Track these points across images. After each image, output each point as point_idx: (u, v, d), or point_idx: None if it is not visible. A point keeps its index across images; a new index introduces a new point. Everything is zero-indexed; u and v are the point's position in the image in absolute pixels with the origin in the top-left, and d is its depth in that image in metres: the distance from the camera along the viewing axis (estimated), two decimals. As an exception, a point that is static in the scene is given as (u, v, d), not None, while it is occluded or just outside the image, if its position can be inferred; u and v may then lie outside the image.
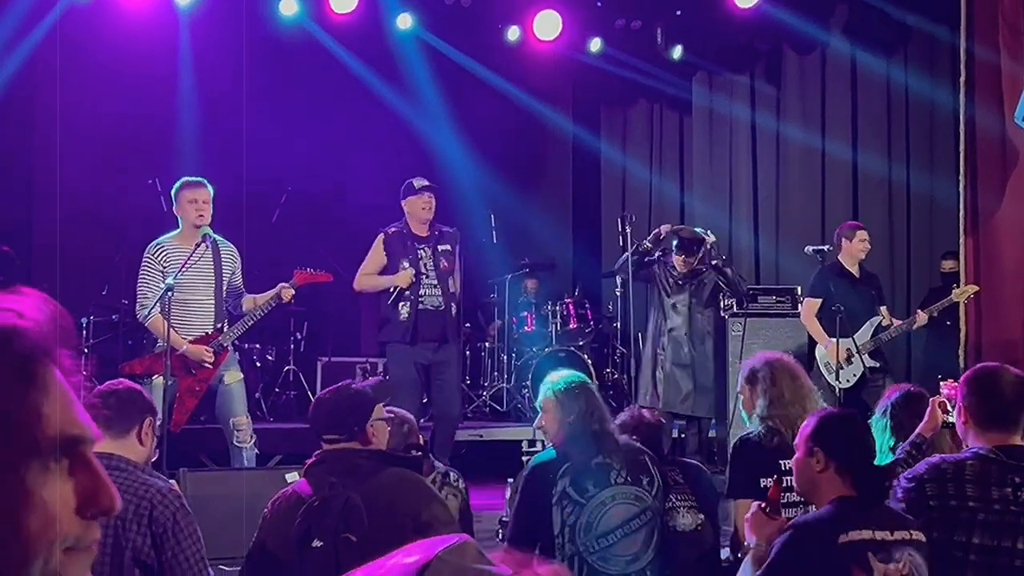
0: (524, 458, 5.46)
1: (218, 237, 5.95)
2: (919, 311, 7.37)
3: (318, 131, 9.48)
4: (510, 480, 5.02)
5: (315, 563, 3.01)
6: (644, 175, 11.10)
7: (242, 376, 6.00)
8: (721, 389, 7.84)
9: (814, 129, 9.94)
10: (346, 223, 9.63)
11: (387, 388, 3.62)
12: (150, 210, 7.75)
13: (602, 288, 10.47)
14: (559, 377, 4.00)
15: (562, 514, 3.69)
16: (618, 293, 9.19)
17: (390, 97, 9.76)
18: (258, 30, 9.05)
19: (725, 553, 4.18)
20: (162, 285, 5.56)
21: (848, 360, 7.05)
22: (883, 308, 7.47)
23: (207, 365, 5.76)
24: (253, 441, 5.86)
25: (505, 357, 9.32)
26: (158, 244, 5.84)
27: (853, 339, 6.96)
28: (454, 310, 6.65)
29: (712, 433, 7.79)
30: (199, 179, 5.91)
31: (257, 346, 8.79)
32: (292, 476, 3.62)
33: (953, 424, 3.51)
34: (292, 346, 9.16)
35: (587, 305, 9.53)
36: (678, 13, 9.85)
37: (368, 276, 6.61)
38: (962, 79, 7.51)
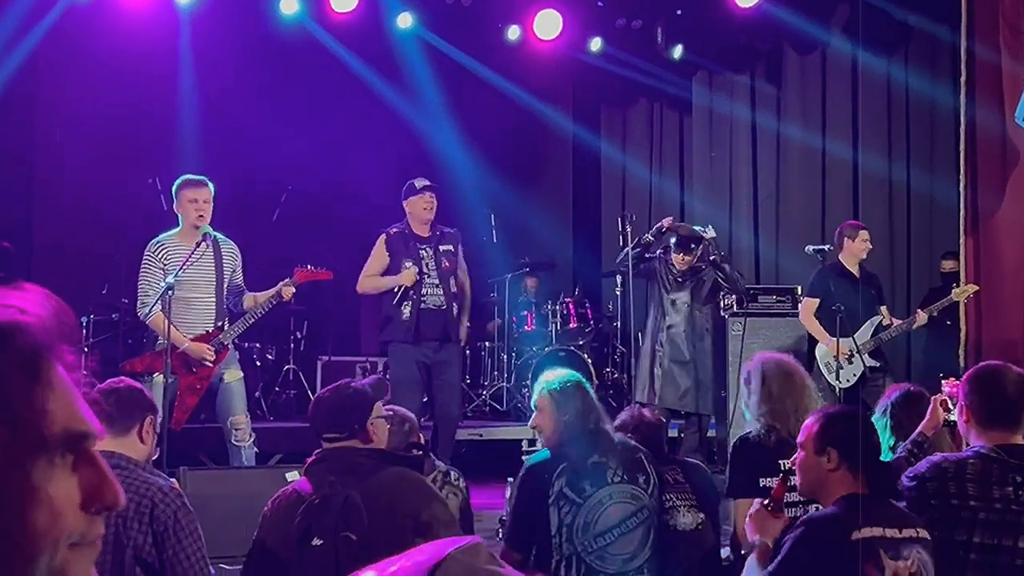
0: (524, 457, 5.47)
1: (219, 235, 5.95)
2: (919, 311, 7.37)
3: (318, 130, 9.49)
4: (510, 479, 5.02)
5: (315, 561, 3.01)
6: (644, 174, 11.11)
7: (242, 375, 6.00)
8: (721, 388, 7.84)
9: (814, 129, 9.95)
10: (346, 222, 9.63)
11: (386, 386, 3.62)
12: (150, 208, 7.76)
13: (602, 287, 10.47)
14: (554, 376, 3.99)
15: (559, 514, 3.69)
16: (618, 292, 9.20)
17: (390, 96, 9.76)
18: (258, 29, 9.06)
19: (725, 552, 4.18)
20: (163, 283, 5.56)
21: (848, 359, 7.05)
22: (883, 308, 7.47)
23: (208, 363, 5.76)
24: (252, 440, 5.86)
25: (505, 356, 9.32)
26: (159, 242, 5.83)
27: (853, 339, 6.96)
28: (455, 310, 6.66)
29: (712, 432, 7.79)
30: (200, 177, 5.90)
31: (257, 345, 8.79)
32: (292, 475, 3.62)
33: (954, 422, 3.51)
34: (292, 345, 9.17)
35: (587, 304, 9.53)
36: (678, 13, 9.85)
37: (371, 278, 6.61)
38: (963, 79, 7.50)
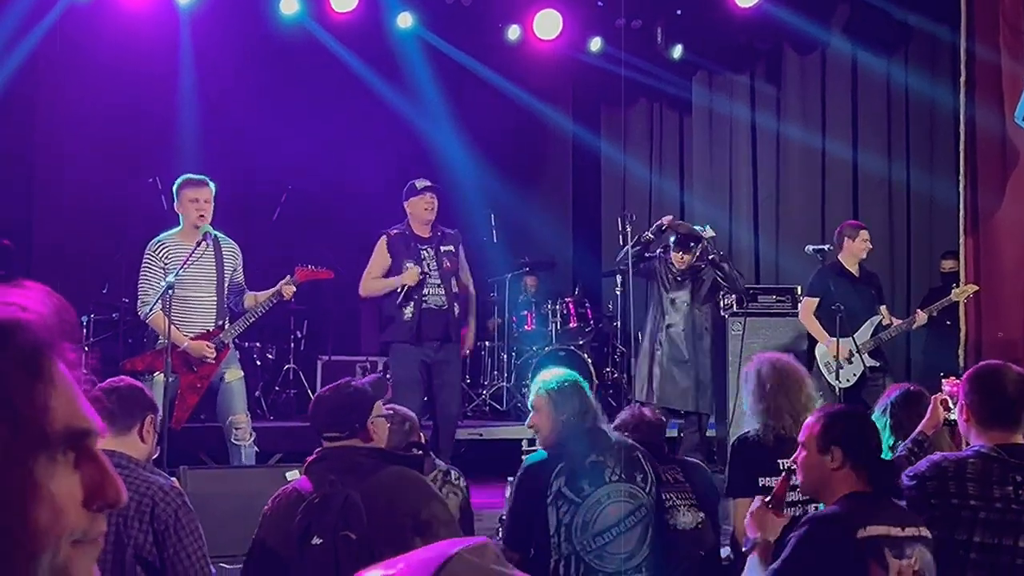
0: (524, 457, 5.46)
1: (219, 234, 5.95)
2: (918, 311, 7.37)
3: (318, 130, 9.49)
4: (510, 479, 5.01)
5: (315, 560, 3.01)
6: (644, 174, 11.11)
7: (242, 374, 6.00)
8: (720, 388, 7.84)
9: (814, 129, 9.95)
10: (346, 222, 9.63)
11: (386, 385, 3.62)
12: (150, 208, 7.76)
13: (602, 287, 10.47)
14: (551, 376, 4.00)
15: (558, 514, 3.69)
16: (618, 292, 9.20)
17: (390, 96, 9.77)
18: (259, 29, 9.06)
19: (725, 552, 4.18)
20: (163, 282, 5.56)
21: (848, 359, 7.05)
22: (883, 308, 7.47)
23: (209, 360, 5.76)
24: (252, 439, 5.86)
25: (505, 356, 9.32)
26: (159, 241, 5.84)
27: (853, 338, 6.96)
28: (457, 310, 6.67)
29: (712, 432, 7.79)
30: (201, 177, 5.90)
31: (257, 344, 8.79)
32: (293, 474, 3.62)
33: (954, 422, 3.51)
34: (292, 344, 9.17)
35: (587, 304, 9.53)
36: (678, 13, 9.86)
37: (374, 280, 6.61)
38: (962, 79, 7.51)
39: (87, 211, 8.93)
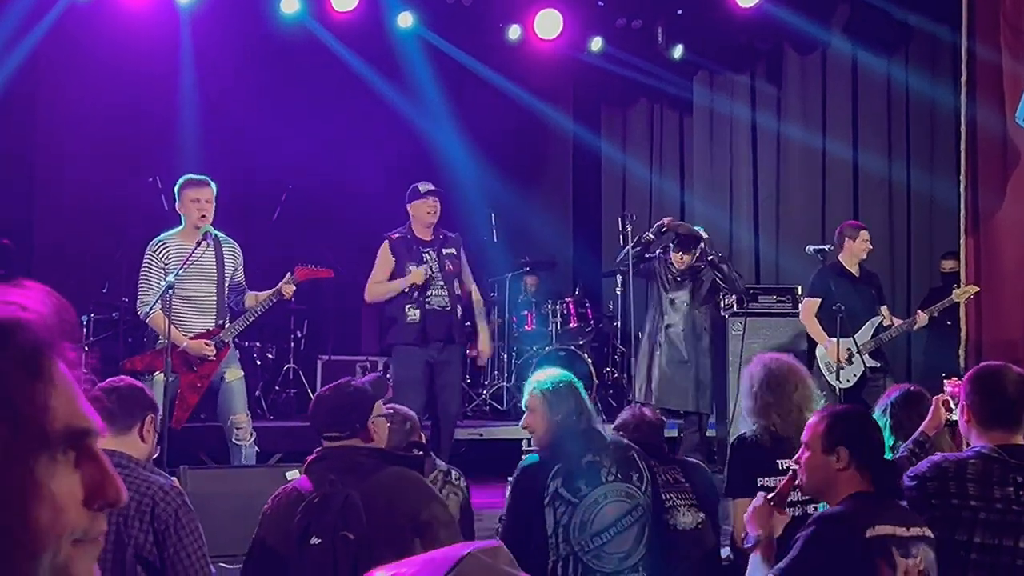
0: (524, 456, 5.46)
1: (220, 234, 5.95)
2: (919, 311, 7.36)
3: (319, 129, 9.49)
4: (510, 478, 5.02)
5: (313, 560, 3.01)
6: (644, 174, 11.11)
7: (243, 374, 6.00)
8: (720, 388, 7.84)
9: (815, 129, 9.95)
10: (346, 221, 9.63)
11: (386, 384, 3.62)
12: (151, 207, 7.76)
13: (602, 287, 10.47)
14: (545, 376, 3.99)
15: (555, 515, 3.69)
16: (618, 292, 9.19)
17: (391, 96, 9.77)
18: (259, 28, 9.06)
19: (726, 552, 4.18)
20: (163, 282, 5.56)
21: (849, 360, 7.05)
22: (884, 308, 7.47)
23: (209, 358, 5.76)
24: (252, 439, 5.86)
25: (505, 356, 9.32)
26: (160, 241, 5.84)
27: (854, 339, 6.96)
28: (460, 311, 6.70)
29: (712, 432, 7.79)
30: (203, 177, 5.90)
31: (257, 344, 8.79)
32: (293, 474, 3.61)
33: (955, 422, 3.51)
34: (292, 344, 9.16)
35: (587, 304, 9.52)
36: (679, 12, 9.85)
37: (380, 284, 6.61)
38: (963, 79, 7.51)
39: (87, 210, 8.93)
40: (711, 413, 7.68)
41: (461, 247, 6.80)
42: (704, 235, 7.54)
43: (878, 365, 7.23)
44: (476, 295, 6.98)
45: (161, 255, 5.76)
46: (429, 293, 6.53)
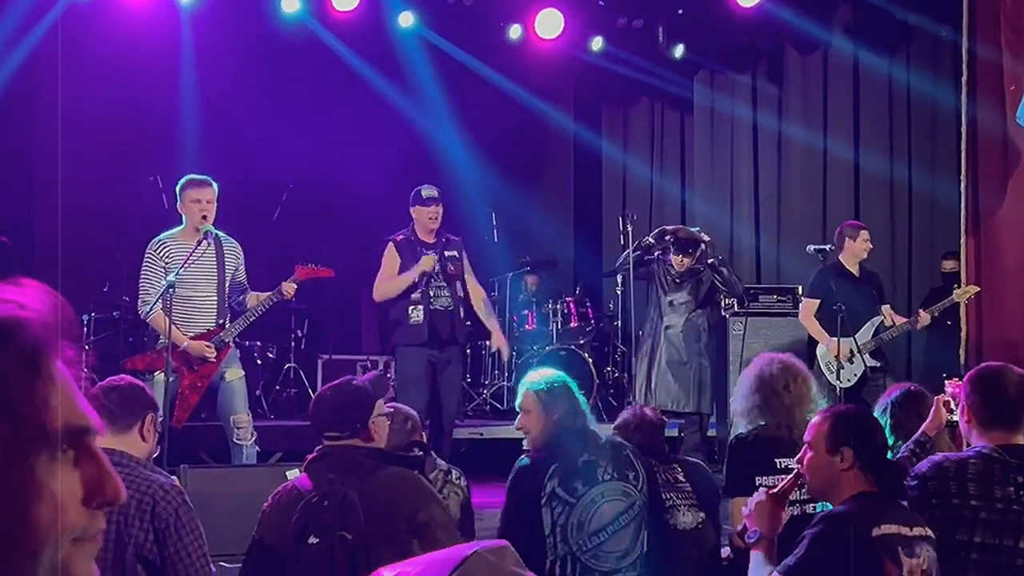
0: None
1: (221, 233, 5.95)
2: (921, 311, 7.35)
3: (319, 129, 9.49)
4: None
5: (311, 560, 3.01)
6: (645, 174, 11.10)
7: (243, 373, 6.00)
8: (722, 388, 7.83)
9: (816, 128, 9.95)
10: (347, 221, 9.64)
11: (387, 383, 3.62)
12: (151, 207, 7.76)
13: (603, 287, 10.47)
14: (539, 377, 3.99)
15: (552, 515, 3.69)
16: (619, 292, 9.19)
17: (392, 95, 9.76)
18: (260, 27, 9.06)
19: (726, 552, 4.18)
20: (164, 281, 5.56)
21: (849, 359, 7.05)
22: (886, 307, 7.46)
23: (209, 359, 5.76)
24: (254, 439, 5.86)
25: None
26: (160, 240, 5.83)
27: (854, 339, 6.95)
28: (462, 312, 6.75)
29: (712, 432, 7.79)
30: (204, 177, 5.90)
31: (258, 343, 8.80)
32: (293, 473, 3.61)
33: (956, 423, 3.51)
34: (293, 343, 9.17)
35: (588, 304, 9.52)
36: (680, 12, 9.85)
37: (388, 281, 6.62)
38: (964, 79, 7.50)
39: (88, 209, 8.93)
40: (711, 413, 7.67)
41: (463, 250, 6.83)
42: (705, 238, 7.54)
43: (878, 365, 7.23)
44: (483, 294, 7.00)
45: (162, 254, 5.76)
46: (432, 294, 6.56)
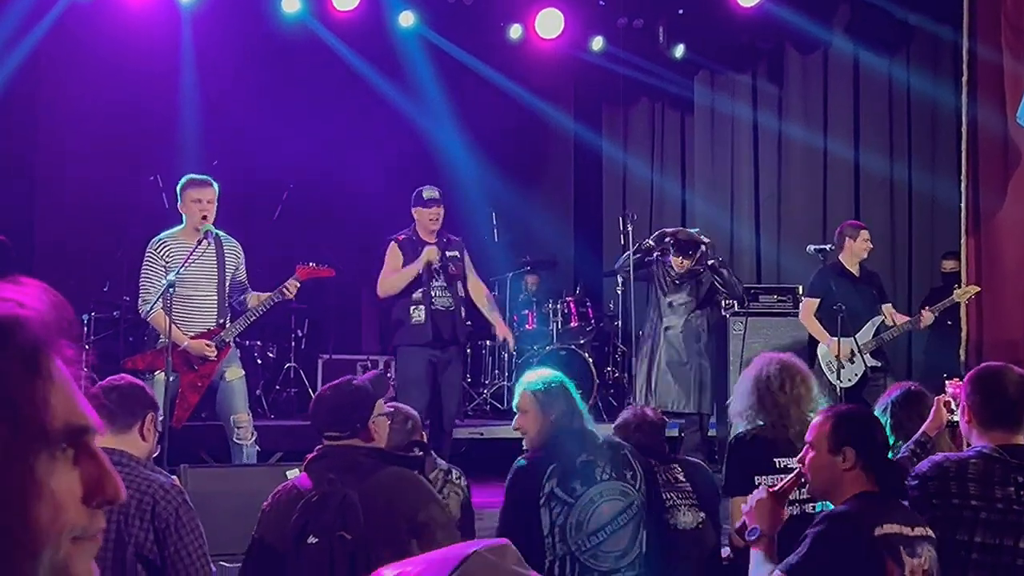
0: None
1: (221, 233, 5.95)
2: (924, 310, 7.32)
3: (320, 128, 9.49)
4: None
5: (310, 560, 3.01)
6: (646, 174, 11.10)
7: (243, 373, 6.00)
8: (722, 388, 7.83)
9: (816, 128, 9.95)
10: (347, 221, 9.63)
11: (387, 382, 3.61)
12: (152, 206, 7.76)
13: (603, 286, 10.47)
14: (536, 377, 3.99)
15: (550, 515, 3.69)
16: (619, 291, 9.19)
17: (392, 95, 9.76)
18: (260, 27, 9.06)
19: (726, 552, 4.18)
20: (164, 281, 5.56)
21: (850, 359, 7.04)
22: (887, 306, 7.46)
23: (209, 358, 5.76)
24: (254, 438, 5.86)
25: (506, 355, 9.32)
26: (160, 240, 5.83)
27: (854, 339, 6.95)
28: (463, 312, 6.77)
29: (712, 432, 7.79)
30: (205, 177, 5.90)
31: (258, 343, 8.79)
32: (293, 473, 3.61)
33: (957, 423, 3.51)
34: (293, 343, 9.17)
35: (588, 303, 9.52)
36: (680, 12, 9.85)
37: (392, 275, 6.62)
38: (964, 79, 7.50)
39: (88, 209, 8.93)
40: (712, 413, 7.67)
41: (464, 250, 6.85)
42: (705, 240, 7.54)
43: (879, 365, 7.23)
44: (485, 290, 7.01)
45: (162, 253, 5.76)
46: (433, 294, 6.57)
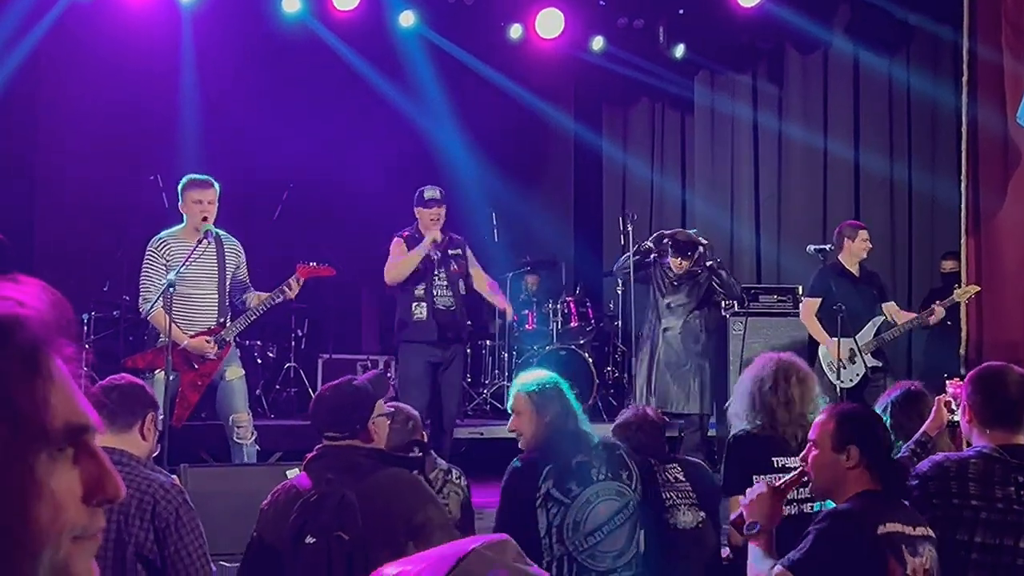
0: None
1: (221, 232, 5.95)
2: (936, 304, 7.29)
3: (320, 128, 9.48)
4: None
5: (308, 560, 3.01)
6: (646, 174, 11.10)
7: (243, 372, 6.00)
8: (722, 388, 7.83)
9: (816, 128, 9.94)
10: (347, 221, 9.63)
11: (387, 382, 3.61)
12: (152, 206, 7.76)
13: (603, 287, 10.47)
14: (531, 378, 3.99)
15: (547, 515, 3.69)
16: (619, 292, 9.19)
17: (392, 95, 9.76)
18: (260, 27, 9.06)
19: (726, 551, 4.18)
20: (164, 280, 5.56)
21: (851, 360, 7.04)
22: (890, 304, 7.46)
23: (210, 356, 5.76)
24: (254, 438, 5.86)
25: (506, 355, 9.31)
26: (161, 239, 5.83)
27: (855, 339, 6.95)
28: (464, 311, 6.81)
29: (712, 432, 7.79)
30: (206, 177, 5.90)
31: (258, 343, 8.79)
32: (293, 472, 3.61)
33: (957, 423, 3.51)
34: (293, 343, 9.16)
35: (588, 303, 9.52)
36: (680, 12, 9.85)
37: (398, 260, 6.62)
38: (964, 79, 7.50)
39: (88, 208, 8.93)
40: (712, 413, 7.67)
41: (466, 248, 6.86)
42: (704, 241, 7.55)
43: (879, 365, 7.23)
44: (487, 279, 7.01)
45: (163, 253, 5.76)
46: (435, 292, 6.59)
